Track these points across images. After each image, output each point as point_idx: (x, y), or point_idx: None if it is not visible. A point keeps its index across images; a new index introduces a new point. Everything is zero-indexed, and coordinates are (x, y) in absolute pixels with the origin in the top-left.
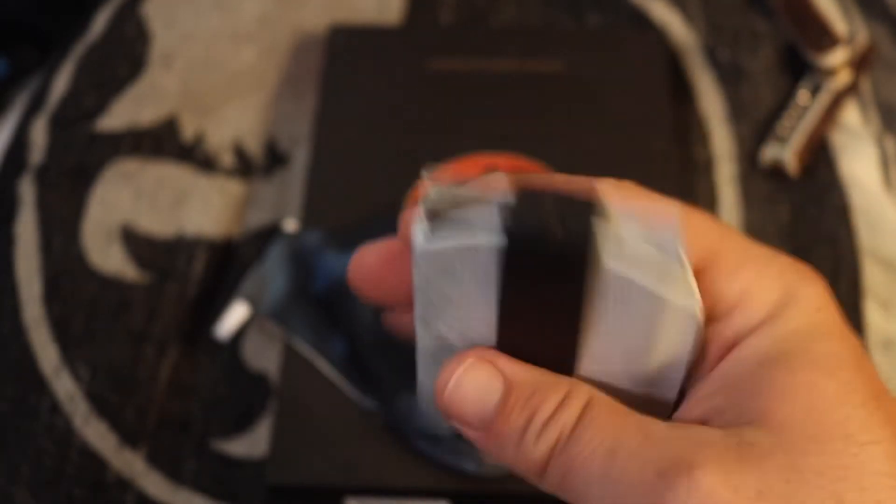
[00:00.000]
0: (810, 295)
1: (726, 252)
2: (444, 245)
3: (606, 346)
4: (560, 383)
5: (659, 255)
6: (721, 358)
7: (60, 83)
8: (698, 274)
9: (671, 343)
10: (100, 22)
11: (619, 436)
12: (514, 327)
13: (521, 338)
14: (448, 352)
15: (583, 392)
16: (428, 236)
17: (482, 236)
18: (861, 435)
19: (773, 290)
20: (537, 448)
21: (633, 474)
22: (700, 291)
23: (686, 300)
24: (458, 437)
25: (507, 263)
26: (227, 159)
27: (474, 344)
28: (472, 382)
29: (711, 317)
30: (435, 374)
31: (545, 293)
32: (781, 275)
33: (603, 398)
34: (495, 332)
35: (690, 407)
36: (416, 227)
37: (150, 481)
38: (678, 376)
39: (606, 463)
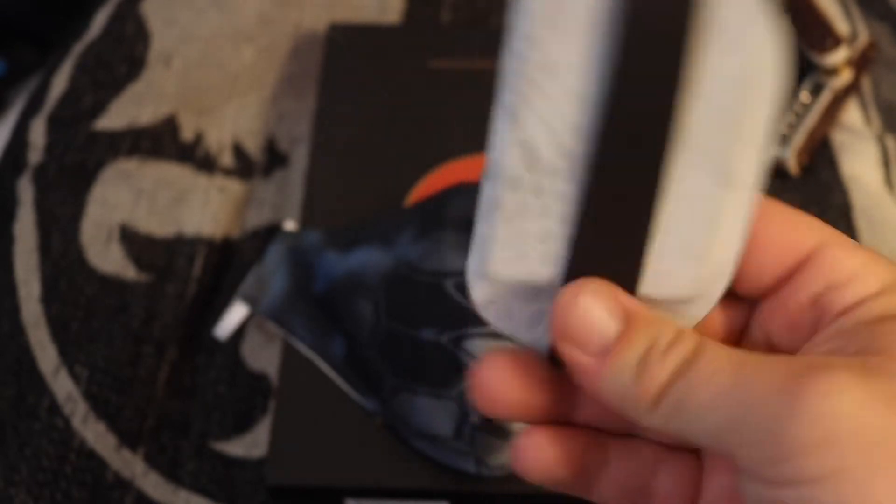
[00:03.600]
0: None
1: (843, 239)
2: None
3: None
4: (674, 323)
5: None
6: (837, 319)
7: (59, 83)
8: (819, 248)
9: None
10: (99, 21)
11: (741, 353)
12: (617, 95)
13: (616, 128)
14: (530, 171)
15: (694, 332)
16: None
17: None
18: None
19: (888, 268)
20: (661, 371)
21: (764, 380)
22: (819, 261)
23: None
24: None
25: None
26: (227, 159)
27: (565, 153)
28: (597, 307)
29: (831, 285)
30: (500, 224)
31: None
32: (892, 264)
33: (711, 339)
34: (593, 121)
35: (805, 352)
36: None
37: (150, 481)
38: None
39: (735, 373)
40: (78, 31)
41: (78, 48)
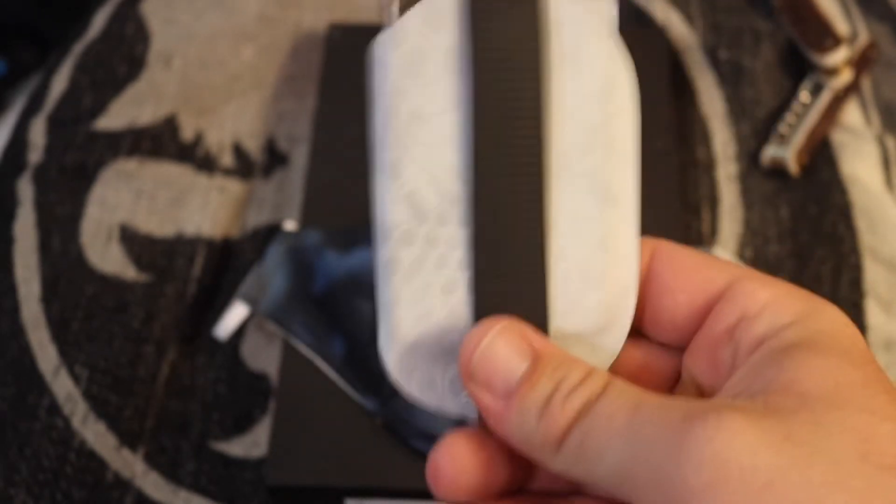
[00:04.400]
0: (838, 313)
1: (756, 274)
2: (408, 16)
3: (567, 132)
4: (583, 362)
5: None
6: (751, 353)
7: (59, 83)
8: (732, 283)
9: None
10: (99, 21)
11: (642, 395)
12: (486, 133)
13: (491, 161)
14: (420, 223)
15: (604, 372)
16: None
17: None
18: (883, 412)
19: (802, 300)
20: (563, 413)
21: (656, 422)
22: (732, 294)
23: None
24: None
25: (473, 3)
26: (227, 159)
27: (451, 198)
28: (504, 347)
29: (744, 315)
30: (401, 286)
31: (511, 37)
32: (810, 295)
33: (622, 380)
34: (469, 161)
35: (723, 393)
36: (381, 36)
37: (149, 482)
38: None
39: (630, 416)
40: (78, 31)
41: (78, 48)
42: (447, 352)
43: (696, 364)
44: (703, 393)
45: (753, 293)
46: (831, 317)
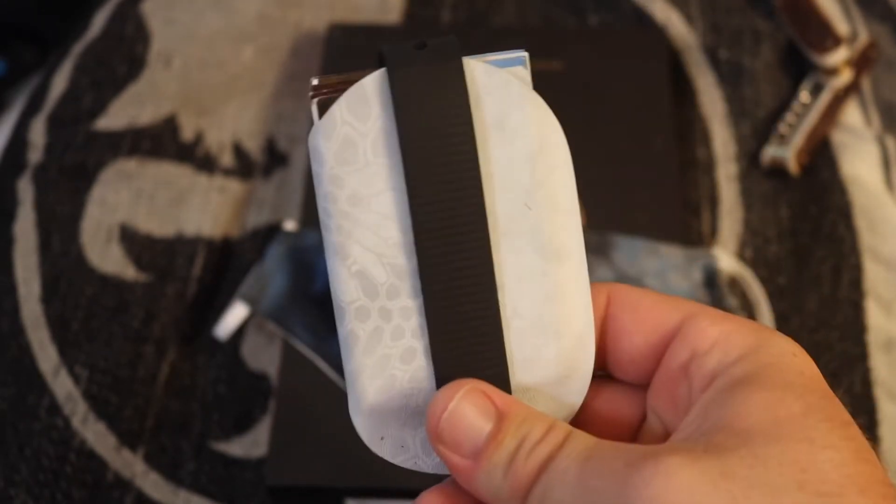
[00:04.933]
0: (786, 343)
1: (709, 311)
2: (334, 107)
3: (505, 194)
4: (543, 416)
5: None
6: (704, 390)
7: (59, 83)
8: (684, 321)
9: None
10: (99, 21)
11: (595, 446)
12: (424, 208)
13: (433, 226)
14: (372, 299)
15: (565, 425)
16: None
17: (364, 79)
18: (823, 440)
19: (750, 334)
20: (526, 468)
21: (603, 472)
22: (685, 331)
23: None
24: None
25: (394, 85)
26: (227, 159)
27: (398, 272)
28: (469, 409)
29: (694, 352)
30: (362, 358)
31: (437, 114)
32: (759, 329)
33: (580, 432)
34: (410, 232)
35: (677, 433)
36: (313, 128)
37: (149, 481)
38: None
39: (580, 467)
40: (78, 31)
41: (78, 48)
42: (414, 415)
43: (658, 402)
44: (667, 430)
45: (703, 331)
46: (778, 349)
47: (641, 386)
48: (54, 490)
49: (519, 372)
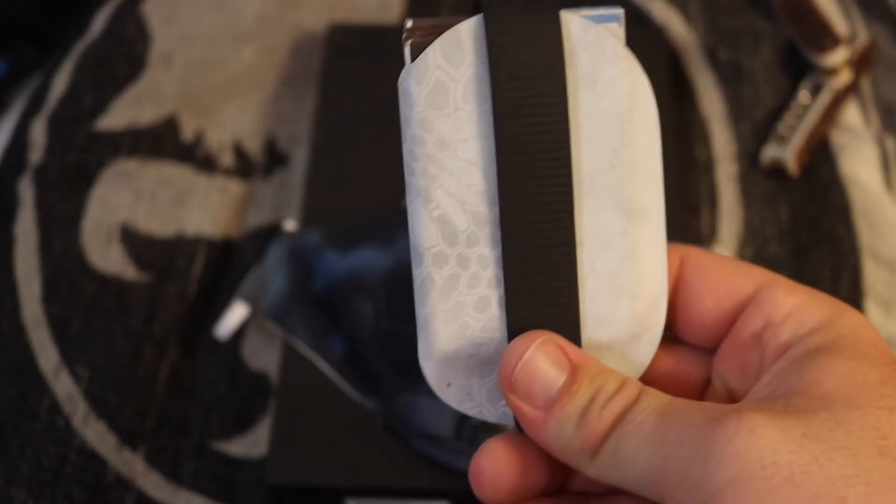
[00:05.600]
0: (858, 317)
1: (783, 280)
2: (428, 50)
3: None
4: (618, 372)
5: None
6: (777, 358)
7: (60, 83)
8: (758, 290)
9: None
10: (99, 22)
11: (671, 401)
12: (510, 157)
13: (519, 178)
14: (452, 245)
15: (637, 382)
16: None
17: (460, 24)
18: None
19: (825, 306)
20: (600, 422)
21: (683, 425)
22: (759, 300)
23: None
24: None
25: (489, 32)
26: (227, 159)
27: (480, 221)
28: (543, 360)
29: (769, 322)
30: (436, 303)
31: (530, 64)
32: (833, 301)
33: (653, 389)
34: (494, 181)
35: (749, 397)
36: (405, 70)
37: (150, 481)
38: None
39: (658, 420)
40: (78, 31)
41: (78, 48)
42: (483, 364)
43: (725, 367)
44: (732, 396)
45: (779, 300)
46: (852, 321)
47: (706, 349)
48: (54, 490)
49: (590, 329)
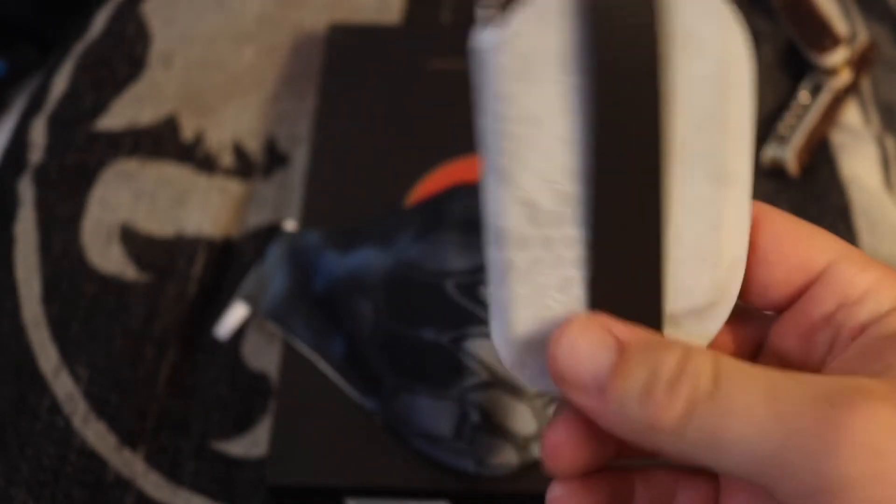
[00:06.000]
0: None
1: (856, 254)
2: (512, 18)
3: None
4: (673, 343)
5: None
6: (854, 338)
7: (60, 83)
8: (830, 266)
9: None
10: (99, 22)
11: (768, 376)
12: (604, 134)
13: (610, 155)
14: (535, 227)
15: (706, 350)
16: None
17: None
18: None
19: None
20: (673, 402)
21: (801, 410)
22: (831, 278)
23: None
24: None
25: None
26: (227, 159)
27: (565, 199)
28: (586, 342)
29: (843, 302)
30: (516, 287)
31: (624, 32)
32: None
33: (728, 357)
34: (587, 161)
35: (829, 372)
36: (483, 34)
37: (150, 481)
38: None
39: (768, 403)
40: (78, 31)
41: (78, 48)
42: None
43: (784, 339)
44: (786, 364)
45: (852, 279)
46: None
47: (762, 313)
48: (54, 490)
49: (671, 301)
